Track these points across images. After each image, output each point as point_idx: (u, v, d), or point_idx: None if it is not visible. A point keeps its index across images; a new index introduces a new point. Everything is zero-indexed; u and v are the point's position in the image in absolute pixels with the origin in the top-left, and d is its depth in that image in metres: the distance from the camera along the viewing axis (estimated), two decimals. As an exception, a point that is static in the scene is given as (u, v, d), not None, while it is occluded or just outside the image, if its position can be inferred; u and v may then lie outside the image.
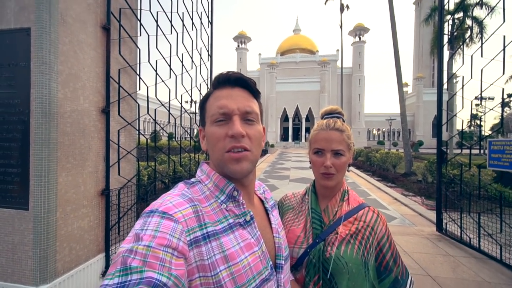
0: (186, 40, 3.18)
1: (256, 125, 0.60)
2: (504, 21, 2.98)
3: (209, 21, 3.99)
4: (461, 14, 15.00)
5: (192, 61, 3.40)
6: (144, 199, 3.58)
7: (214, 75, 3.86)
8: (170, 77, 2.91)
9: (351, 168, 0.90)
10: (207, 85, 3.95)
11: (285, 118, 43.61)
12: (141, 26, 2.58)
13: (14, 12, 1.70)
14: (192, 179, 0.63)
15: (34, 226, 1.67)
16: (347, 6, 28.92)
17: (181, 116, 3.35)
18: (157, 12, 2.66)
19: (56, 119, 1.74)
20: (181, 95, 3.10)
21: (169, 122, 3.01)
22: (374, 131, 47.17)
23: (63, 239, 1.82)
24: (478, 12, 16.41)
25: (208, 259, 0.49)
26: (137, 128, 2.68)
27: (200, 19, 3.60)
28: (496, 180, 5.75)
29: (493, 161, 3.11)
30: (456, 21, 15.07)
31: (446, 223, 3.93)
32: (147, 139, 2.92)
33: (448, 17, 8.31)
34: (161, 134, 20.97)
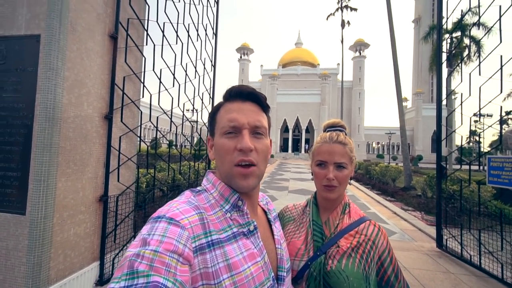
0: (190, 50, 3.25)
1: (264, 139, 0.61)
2: (500, 41, 3.06)
3: (213, 32, 4.10)
4: (459, 33, 15.42)
5: (196, 70, 3.46)
6: (142, 207, 3.54)
7: (216, 85, 3.93)
8: (173, 86, 2.95)
9: (351, 181, 0.90)
10: (209, 94, 4.00)
11: (285, 129, 43.82)
12: (148, 36, 2.64)
13: (26, 19, 1.75)
14: (198, 188, 0.63)
15: (29, 231, 1.64)
16: (348, 22, 29.74)
17: (182, 124, 3.37)
18: (164, 23, 2.73)
19: (59, 124, 1.75)
20: (184, 104, 3.14)
21: (170, 130, 3.03)
22: (374, 144, 47.28)
23: (58, 245, 1.79)
24: (475, 32, 16.89)
25: (212, 267, 0.49)
26: (138, 135, 2.69)
27: (205, 30, 3.69)
28: (496, 197, 5.72)
29: (493, 177, 3.11)
30: (454, 39, 15.48)
31: (446, 239, 3.88)
32: (148, 146, 2.93)
33: (446, 35, 8.54)
34: (162, 142, 20.98)
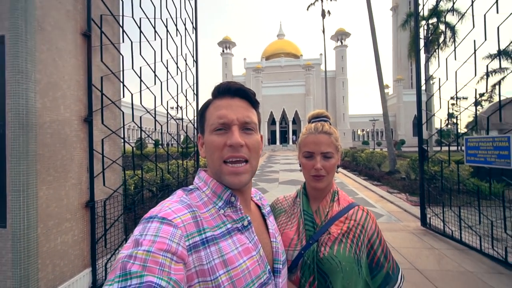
0: (170, 46, 3.15)
1: (255, 134, 0.62)
2: (473, 26, 3.19)
3: (193, 26, 3.99)
4: (435, 20, 15.90)
5: (177, 67, 3.37)
6: (131, 209, 3.47)
7: (199, 81, 3.85)
8: (155, 84, 2.86)
9: (339, 169, 0.92)
10: (193, 90, 3.92)
11: (272, 121, 43.96)
12: (124, 33, 2.53)
13: (-13, 19, 1.63)
14: (190, 186, 0.63)
15: (12, 244, 1.57)
16: (329, 12, 29.83)
17: (167, 122, 3.30)
18: (140, 19, 2.62)
19: (34, 130, 1.66)
20: (167, 102, 3.06)
21: (155, 129, 2.96)
22: (359, 132, 48.51)
23: (46, 256, 1.72)
24: (450, 18, 17.48)
25: (207, 264, 0.49)
26: (122, 137, 2.61)
27: (184, 25, 3.59)
28: (473, 174, 6.07)
29: (470, 157, 3.29)
30: (430, 26, 15.96)
31: (430, 218, 4.09)
32: (133, 147, 2.85)
33: (423, 22, 8.78)
34: (147, 142, 20.47)
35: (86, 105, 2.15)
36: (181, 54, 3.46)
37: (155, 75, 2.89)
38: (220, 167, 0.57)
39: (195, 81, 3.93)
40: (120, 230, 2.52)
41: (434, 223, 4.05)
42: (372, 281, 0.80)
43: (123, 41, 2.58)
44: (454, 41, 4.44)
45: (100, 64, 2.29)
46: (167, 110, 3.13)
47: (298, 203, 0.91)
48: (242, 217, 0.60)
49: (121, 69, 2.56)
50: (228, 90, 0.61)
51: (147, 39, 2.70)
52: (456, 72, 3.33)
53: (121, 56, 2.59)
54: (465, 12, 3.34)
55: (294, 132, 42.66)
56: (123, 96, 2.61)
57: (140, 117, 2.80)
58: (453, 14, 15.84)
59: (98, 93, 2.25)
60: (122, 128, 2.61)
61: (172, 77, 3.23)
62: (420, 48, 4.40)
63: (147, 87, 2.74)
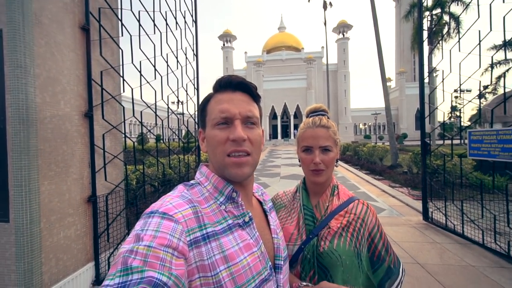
0: (170, 40, 3.11)
1: (256, 128, 0.61)
2: (478, 17, 3.11)
3: (193, 20, 3.93)
4: (438, 10, 15.57)
5: (178, 61, 3.34)
6: (134, 203, 3.49)
7: (200, 75, 3.81)
8: (155, 78, 2.84)
9: (339, 162, 0.91)
10: (194, 85, 3.89)
11: (273, 116, 43.83)
12: (123, 26, 2.50)
13: (-17, 13, 1.60)
14: (192, 181, 0.63)
15: (16, 238, 1.59)
16: (330, 4, 29.32)
17: (168, 117, 3.29)
18: (139, 12, 2.59)
19: (35, 125, 1.66)
20: (168, 96, 3.04)
21: (156, 124, 2.95)
22: (361, 126, 48.27)
23: (49, 250, 1.74)
24: (454, 8, 17.11)
25: (208, 259, 0.49)
26: (123, 132, 2.60)
27: (184, 18, 3.53)
28: (476, 168, 6.03)
29: (473, 150, 3.26)
30: (434, 17, 15.64)
31: (431, 212, 4.09)
32: (134, 142, 2.85)
33: (427, 13, 8.60)
34: (149, 137, 20.52)
35: (86, 100, 2.14)
36: (181, 48, 3.42)
37: (155, 69, 2.86)
38: (223, 161, 0.57)
39: (195, 75, 3.90)
40: (122, 225, 2.54)
41: (436, 217, 4.05)
42: (373, 275, 0.79)
43: (122, 35, 2.55)
44: (458, 32, 4.35)
45: (99, 59, 2.27)
46: (167, 104, 3.12)
47: (298, 197, 0.90)
48: (243, 213, 0.59)
49: (121, 64, 2.54)
50: (229, 83, 0.60)
51: (146, 33, 2.66)
52: (460, 64, 3.28)
53: (120, 50, 2.57)
54: (470, 1, 3.26)
55: (296, 127, 42.51)
56: (123, 91, 2.60)
57: (141, 112, 2.79)
58: (457, 4, 15.49)
59: (98, 88, 2.24)
60: (123, 123, 2.60)
61: (172, 71, 3.21)
62: (424, 39, 4.32)
63: (147, 82, 2.72)
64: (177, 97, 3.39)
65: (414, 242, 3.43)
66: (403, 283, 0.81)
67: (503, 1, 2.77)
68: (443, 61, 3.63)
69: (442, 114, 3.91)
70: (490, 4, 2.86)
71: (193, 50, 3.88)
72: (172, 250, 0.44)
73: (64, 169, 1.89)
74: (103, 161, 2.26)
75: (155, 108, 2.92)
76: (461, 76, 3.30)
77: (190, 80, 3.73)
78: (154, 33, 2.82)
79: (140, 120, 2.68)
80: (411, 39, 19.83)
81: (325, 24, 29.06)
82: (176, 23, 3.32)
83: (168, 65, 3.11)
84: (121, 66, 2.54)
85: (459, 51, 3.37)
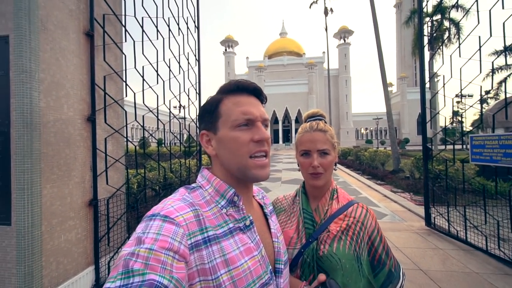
0: (172, 46, 3.16)
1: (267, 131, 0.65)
2: (478, 22, 3.13)
3: (195, 25, 3.99)
4: (439, 16, 15.68)
5: (180, 66, 3.38)
6: (134, 207, 3.49)
7: (202, 80, 3.84)
8: (157, 83, 2.87)
9: (339, 166, 0.92)
10: (196, 89, 3.93)
11: (275, 120, 43.90)
12: (126, 32, 2.54)
13: (-9, 19, 1.64)
14: (193, 184, 0.63)
15: (17, 242, 1.59)
16: (331, 10, 29.64)
17: (170, 121, 3.31)
18: (142, 18, 2.63)
19: (38, 129, 1.68)
20: (170, 101, 3.08)
21: (158, 128, 2.97)
22: (362, 131, 48.20)
23: (50, 253, 1.74)
24: (454, 14, 17.23)
25: (208, 263, 0.49)
26: (125, 136, 2.62)
27: (186, 24, 3.59)
28: (479, 173, 5.99)
29: (475, 155, 3.24)
30: (434, 23, 15.75)
31: (434, 217, 4.04)
32: (135, 146, 2.87)
33: (427, 19, 8.67)
34: (150, 141, 20.61)
35: (89, 104, 2.16)
36: (184, 53, 3.47)
37: (158, 74, 2.90)
38: (246, 162, 0.58)
39: (197, 80, 3.94)
40: (123, 229, 2.54)
41: (438, 223, 4.01)
42: (375, 279, 0.79)
43: (125, 41, 2.59)
44: (459, 37, 4.38)
45: (103, 64, 2.30)
46: (169, 109, 3.15)
47: (298, 201, 0.90)
48: (244, 216, 0.60)
49: (124, 69, 2.58)
50: (247, 88, 0.62)
51: (149, 38, 2.71)
52: (460, 69, 3.29)
53: (123, 56, 2.60)
54: (470, 8, 3.28)
55: (297, 131, 42.58)
56: (126, 95, 2.63)
57: (143, 116, 2.82)
58: (457, 10, 15.58)
59: (101, 93, 2.27)
60: (125, 127, 2.63)
61: (175, 76, 3.24)
62: (424, 45, 4.35)
63: (150, 86, 2.75)
64: (179, 101, 3.42)
65: (417, 248, 3.39)
66: (404, 288, 0.81)
67: (503, 8, 2.80)
68: (444, 67, 3.65)
69: (443, 119, 3.91)
70: (490, 10, 2.88)
71: (195, 55, 3.92)
72: (173, 253, 0.44)
73: (66, 172, 1.91)
74: (104, 164, 2.27)
75: (157, 113, 2.94)
76: (462, 81, 3.31)
77: (192, 85, 3.77)
78: (157, 38, 2.87)
79: (142, 124, 2.70)
80: (412, 45, 19.93)
81: (326, 29, 29.32)
82: (179, 29, 3.37)
83: (170, 70, 3.15)
84: (124, 71, 2.57)
85: (460, 56, 3.38)
